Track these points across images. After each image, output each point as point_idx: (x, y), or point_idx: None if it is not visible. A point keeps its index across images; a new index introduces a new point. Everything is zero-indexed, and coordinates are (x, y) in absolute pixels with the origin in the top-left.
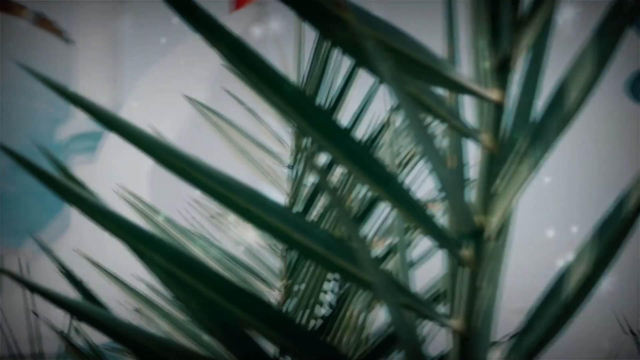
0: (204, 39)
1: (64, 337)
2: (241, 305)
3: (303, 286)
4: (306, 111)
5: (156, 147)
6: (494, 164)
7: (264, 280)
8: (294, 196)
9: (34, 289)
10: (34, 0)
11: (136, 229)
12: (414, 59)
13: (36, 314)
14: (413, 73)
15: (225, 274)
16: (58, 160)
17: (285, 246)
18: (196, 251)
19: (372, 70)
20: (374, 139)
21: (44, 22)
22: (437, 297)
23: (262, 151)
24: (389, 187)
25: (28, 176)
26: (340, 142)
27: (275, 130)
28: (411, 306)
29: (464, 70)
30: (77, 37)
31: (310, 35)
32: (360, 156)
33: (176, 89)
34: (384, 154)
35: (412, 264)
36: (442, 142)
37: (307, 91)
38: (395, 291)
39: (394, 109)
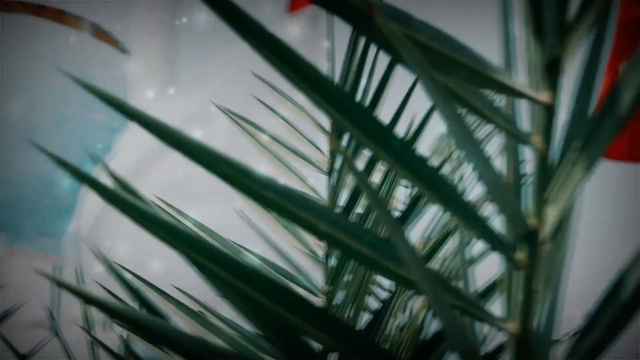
0: (249, 44)
1: (128, 348)
2: (290, 308)
3: (346, 291)
4: (350, 111)
5: (205, 155)
6: (545, 167)
7: (305, 287)
8: (332, 202)
9: (90, 300)
10: (89, 11)
11: (196, 240)
12: (457, 60)
13: (88, 331)
14: (457, 75)
15: (276, 278)
16: (113, 172)
17: (330, 249)
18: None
19: (409, 68)
20: (414, 139)
21: (100, 33)
22: (485, 296)
23: (297, 158)
24: (438, 188)
25: (81, 187)
26: (392, 147)
27: (310, 137)
28: (461, 307)
29: (520, 73)
30: (132, 47)
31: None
32: (406, 156)
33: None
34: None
35: (470, 263)
36: (487, 143)
37: (345, 88)
38: (444, 292)
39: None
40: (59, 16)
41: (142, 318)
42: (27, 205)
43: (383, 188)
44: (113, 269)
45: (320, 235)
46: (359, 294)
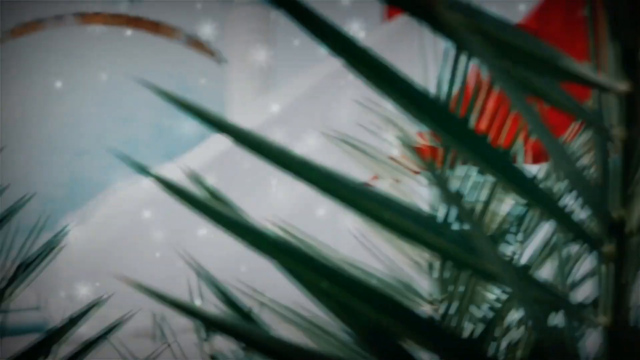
0: (343, 62)
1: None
2: (396, 317)
3: (454, 302)
4: (450, 126)
5: (299, 166)
6: (630, 158)
7: (411, 298)
8: (434, 213)
9: (166, 299)
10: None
11: (290, 248)
12: (529, 51)
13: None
14: (530, 67)
15: (377, 287)
16: (205, 183)
17: (434, 259)
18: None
19: (482, 61)
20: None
21: (196, 43)
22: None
23: (398, 171)
24: (525, 185)
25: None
26: (477, 148)
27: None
28: (551, 302)
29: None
30: (228, 56)
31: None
32: (498, 161)
33: (319, 110)
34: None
35: (566, 263)
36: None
37: (441, 98)
38: (532, 289)
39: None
40: (155, 28)
41: (244, 328)
42: None
43: (478, 200)
44: (200, 268)
45: (432, 249)
46: (467, 302)
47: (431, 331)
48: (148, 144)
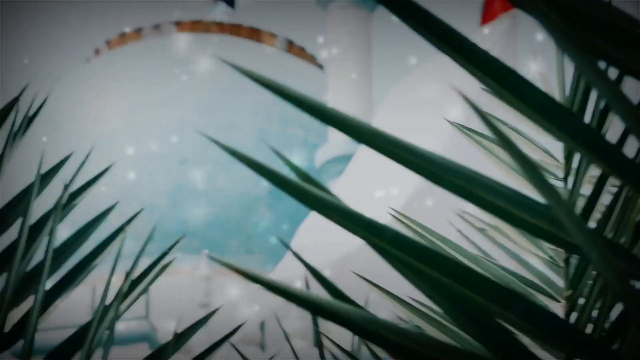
0: (454, 60)
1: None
2: (520, 314)
3: (587, 298)
4: (572, 129)
5: (428, 162)
6: None
7: (544, 293)
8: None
9: (276, 288)
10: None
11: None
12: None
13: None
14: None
15: (496, 280)
16: (319, 182)
17: (569, 255)
18: (467, 263)
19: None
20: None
21: (294, 49)
22: None
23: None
24: None
25: (288, 203)
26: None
27: (541, 143)
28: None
29: None
30: (327, 61)
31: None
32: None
33: (427, 106)
34: None
35: None
36: None
37: (573, 106)
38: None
39: None
40: (255, 34)
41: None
42: (233, 223)
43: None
44: (307, 264)
45: (566, 246)
46: (602, 298)
47: (557, 328)
48: (251, 151)
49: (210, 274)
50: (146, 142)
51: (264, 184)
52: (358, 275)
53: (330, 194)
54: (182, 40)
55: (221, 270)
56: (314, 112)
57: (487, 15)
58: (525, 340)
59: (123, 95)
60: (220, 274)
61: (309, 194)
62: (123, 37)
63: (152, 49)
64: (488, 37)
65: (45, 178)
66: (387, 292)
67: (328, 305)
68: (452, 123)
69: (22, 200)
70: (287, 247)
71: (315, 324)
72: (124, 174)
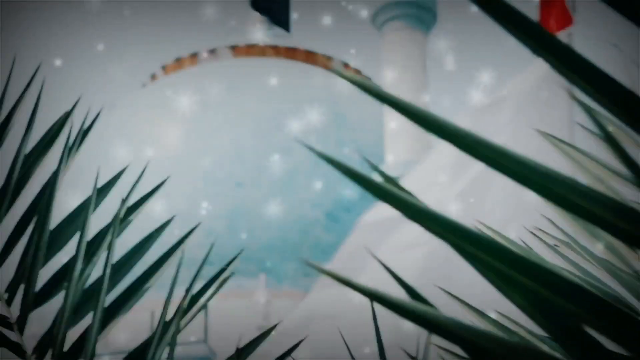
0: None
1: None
2: (613, 323)
3: None
4: None
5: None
6: None
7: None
8: None
9: (367, 292)
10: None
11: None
12: None
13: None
14: None
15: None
16: (386, 173)
17: None
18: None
19: None
20: None
21: (350, 71)
22: None
23: (618, 177)
24: None
25: (345, 225)
26: None
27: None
28: None
29: None
30: (383, 83)
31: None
32: None
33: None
34: None
35: None
36: None
37: None
38: None
39: None
40: (311, 57)
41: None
42: (289, 247)
43: None
44: (385, 266)
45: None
46: None
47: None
48: (306, 173)
49: (268, 297)
50: (202, 165)
51: (322, 206)
52: (440, 288)
53: (421, 201)
54: (237, 64)
55: (278, 292)
56: (420, 120)
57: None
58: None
59: (179, 119)
60: (278, 296)
61: (406, 203)
62: (179, 62)
63: (207, 74)
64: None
65: (100, 194)
66: (469, 306)
67: (421, 310)
68: (541, 132)
69: (79, 215)
70: (374, 257)
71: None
72: (179, 197)
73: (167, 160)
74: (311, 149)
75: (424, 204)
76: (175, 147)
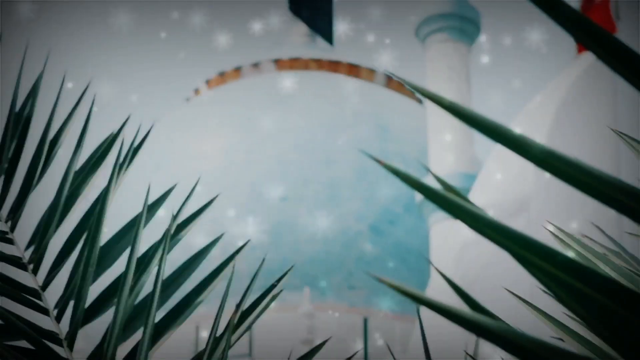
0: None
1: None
2: None
3: None
4: None
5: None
6: None
7: None
8: None
9: (437, 307)
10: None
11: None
12: None
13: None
14: None
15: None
16: (442, 178)
17: None
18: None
19: None
20: None
21: (394, 84)
22: None
23: None
24: None
25: (390, 238)
26: None
27: None
28: None
29: None
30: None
31: None
32: None
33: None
34: None
35: None
36: None
37: None
38: None
39: None
40: (354, 70)
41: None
42: (334, 260)
43: None
44: (451, 282)
45: None
46: None
47: None
48: (350, 186)
49: (313, 310)
50: (246, 179)
51: (365, 219)
52: (513, 293)
53: (487, 213)
54: (281, 78)
55: (323, 306)
56: (492, 133)
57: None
58: None
59: (222, 134)
60: (322, 309)
61: (475, 215)
62: (222, 76)
63: (250, 88)
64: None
65: (150, 211)
66: (543, 313)
67: (486, 323)
68: (618, 133)
69: (128, 232)
70: (435, 268)
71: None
72: (223, 212)
73: (211, 175)
74: (377, 160)
75: (490, 216)
76: (218, 161)
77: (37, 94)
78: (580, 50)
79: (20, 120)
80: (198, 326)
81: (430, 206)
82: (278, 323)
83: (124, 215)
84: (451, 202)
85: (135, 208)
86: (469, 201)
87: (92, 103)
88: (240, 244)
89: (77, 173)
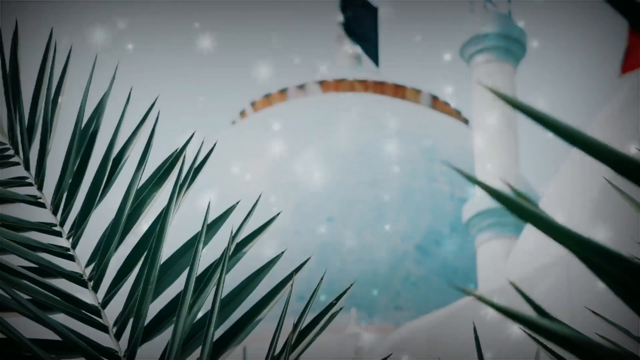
0: None
1: None
2: None
3: None
4: None
5: None
6: None
7: None
8: None
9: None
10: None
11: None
12: None
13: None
14: None
15: None
16: (517, 189)
17: None
18: None
19: None
20: None
21: (439, 104)
22: None
23: None
24: None
25: (436, 258)
26: None
27: None
28: None
29: None
30: (473, 113)
31: None
32: None
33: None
34: None
35: None
36: None
37: None
38: None
39: None
40: (400, 91)
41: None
42: (380, 281)
43: None
44: (515, 286)
45: None
46: None
47: None
48: (396, 206)
49: (360, 331)
50: (292, 200)
51: (411, 239)
52: (593, 312)
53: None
54: (325, 99)
55: (369, 327)
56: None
57: (629, 64)
58: None
59: (268, 155)
60: (369, 330)
61: (554, 225)
62: (268, 98)
63: (294, 108)
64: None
65: (209, 230)
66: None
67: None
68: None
69: (188, 250)
70: (512, 284)
71: None
72: (271, 233)
73: (255, 197)
74: (459, 171)
75: (570, 229)
76: (264, 183)
77: (103, 111)
78: (624, 70)
79: (85, 137)
80: (245, 347)
81: (477, 226)
82: (325, 344)
83: (172, 230)
84: (535, 214)
85: (181, 225)
86: (545, 213)
87: (156, 120)
88: (288, 264)
89: (139, 191)
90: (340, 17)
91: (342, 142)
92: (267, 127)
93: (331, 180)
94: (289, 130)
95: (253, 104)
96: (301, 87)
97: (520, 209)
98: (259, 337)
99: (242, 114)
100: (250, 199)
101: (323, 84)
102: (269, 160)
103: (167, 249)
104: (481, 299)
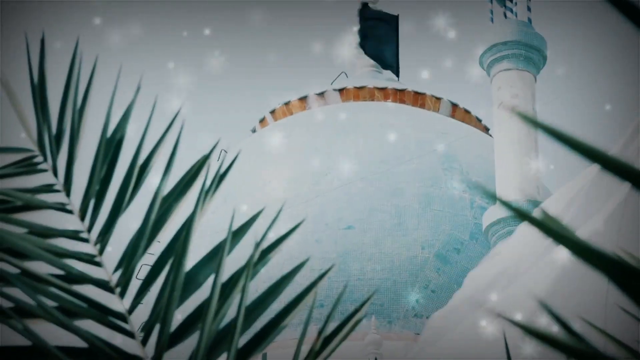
0: None
1: None
2: None
3: None
4: None
5: None
6: None
7: None
8: None
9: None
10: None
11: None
12: None
13: None
14: None
15: None
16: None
17: None
18: None
19: None
20: None
21: (460, 113)
22: None
23: None
24: None
25: (456, 266)
26: None
27: None
28: None
29: None
30: (492, 123)
31: None
32: None
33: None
34: None
35: None
36: None
37: None
38: None
39: None
40: (420, 99)
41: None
42: (400, 289)
43: None
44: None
45: None
46: None
47: None
48: (416, 215)
49: (379, 339)
50: (312, 209)
51: (431, 247)
52: (623, 309)
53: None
54: (345, 108)
55: (389, 334)
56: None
57: None
58: None
59: (288, 163)
60: (389, 338)
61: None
62: (288, 106)
63: (315, 117)
64: None
65: (233, 237)
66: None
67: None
68: None
69: (213, 257)
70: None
71: None
72: (289, 241)
73: (277, 205)
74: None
75: (591, 244)
76: (284, 191)
77: (128, 119)
78: None
79: (111, 144)
80: (265, 353)
81: (497, 234)
82: (345, 352)
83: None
84: (561, 234)
85: (205, 232)
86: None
87: (181, 129)
88: (308, 272)
89: (165, 198)
90: (357, 27)
91: (363, 150)
92: (287, 135)
93: (351, 189)
94: (308, 138)
95: (273, 112)
96: (321, 94)
97: (543, 227)
98: (276, 344)
99: (262, 121)
100: (269, 207)
101: (343, 92)
102: (287, 169)
103: (192, 255)
104: (523, 327)
